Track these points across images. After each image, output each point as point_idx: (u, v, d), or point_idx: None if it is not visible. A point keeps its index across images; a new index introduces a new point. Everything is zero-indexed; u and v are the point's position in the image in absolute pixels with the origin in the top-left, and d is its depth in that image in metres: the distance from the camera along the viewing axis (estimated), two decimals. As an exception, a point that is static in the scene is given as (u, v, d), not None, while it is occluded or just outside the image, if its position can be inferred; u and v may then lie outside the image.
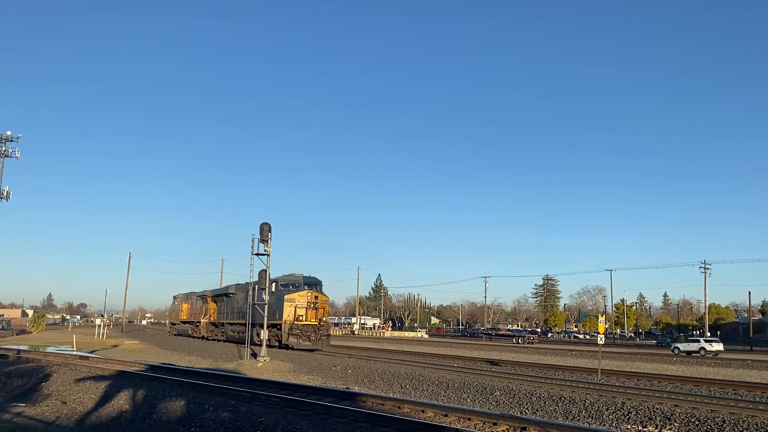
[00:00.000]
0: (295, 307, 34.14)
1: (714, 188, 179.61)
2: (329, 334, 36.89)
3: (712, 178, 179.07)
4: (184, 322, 57.70)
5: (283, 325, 34.00)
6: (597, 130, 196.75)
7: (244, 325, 35.58)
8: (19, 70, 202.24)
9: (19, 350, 30.31)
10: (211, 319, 48.31)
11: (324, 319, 35.43)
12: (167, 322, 72.34)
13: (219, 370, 20.58)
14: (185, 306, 58.36)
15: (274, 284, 33.56)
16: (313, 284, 36.32)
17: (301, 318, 33.92)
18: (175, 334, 60.21)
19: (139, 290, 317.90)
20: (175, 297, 64.90)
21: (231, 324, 42.97)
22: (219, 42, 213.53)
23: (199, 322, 51.39)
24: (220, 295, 47.07)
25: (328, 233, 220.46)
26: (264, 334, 26.28)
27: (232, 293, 43.55)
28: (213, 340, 46.63)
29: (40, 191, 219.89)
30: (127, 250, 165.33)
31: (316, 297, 35.17)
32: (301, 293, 34.68)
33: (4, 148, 72.48)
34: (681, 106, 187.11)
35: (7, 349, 31.10)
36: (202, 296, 52.41)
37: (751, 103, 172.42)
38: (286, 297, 34.34)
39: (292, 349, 33.52)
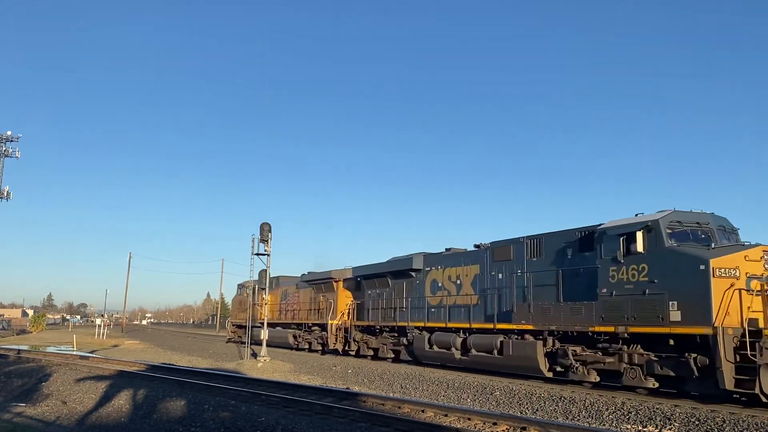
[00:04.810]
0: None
1: (714, 187, 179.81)
2: None
3: (711, 176, 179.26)
4: (276, 324, 33.70)
5: (720, 337, 11.95)
6: (597, 128, 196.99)
7: (494, 333, 18.19)
8: (18, 67, 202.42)
9: (19, 350, 30.33)
10: (354, 320, 26.63)
11: None
12: (228, 322, 45.45)
13: (219, 370, 20.60)
14: (273, 298, 34.03)
15: (643, 231, 14.09)
16: (731, 231, 14.88)
17: None
18: (239, 342, 35.49)
19: (139, 290, 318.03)
20: (241, 286, 40.37)
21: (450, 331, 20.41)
22: (220, 34, 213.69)
23: (323, 324, 28.57)
24: (375, 277, 25.40)
25: (327, 233, 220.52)
26: (264, 333, 26.15)
27: (420, 269, 22.53)
28: (371, 358, 25.48)
29: (40, 191, 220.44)
30: (127, 250, 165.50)
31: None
32: (753, 250, 12.91)
33: (4, 148, 72.44)
34: (681, 103, 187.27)
35: (7, 349, 31.11)
36: (324, 281, 29.20)
37: (749, 103, 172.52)
38: (712, 263, 12.36)
39: None
